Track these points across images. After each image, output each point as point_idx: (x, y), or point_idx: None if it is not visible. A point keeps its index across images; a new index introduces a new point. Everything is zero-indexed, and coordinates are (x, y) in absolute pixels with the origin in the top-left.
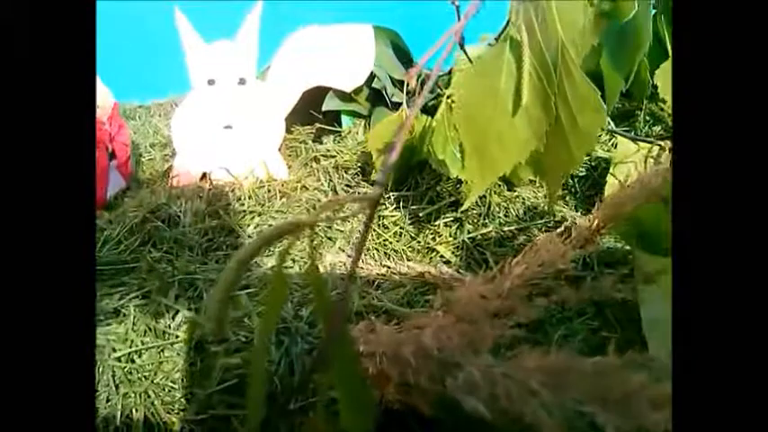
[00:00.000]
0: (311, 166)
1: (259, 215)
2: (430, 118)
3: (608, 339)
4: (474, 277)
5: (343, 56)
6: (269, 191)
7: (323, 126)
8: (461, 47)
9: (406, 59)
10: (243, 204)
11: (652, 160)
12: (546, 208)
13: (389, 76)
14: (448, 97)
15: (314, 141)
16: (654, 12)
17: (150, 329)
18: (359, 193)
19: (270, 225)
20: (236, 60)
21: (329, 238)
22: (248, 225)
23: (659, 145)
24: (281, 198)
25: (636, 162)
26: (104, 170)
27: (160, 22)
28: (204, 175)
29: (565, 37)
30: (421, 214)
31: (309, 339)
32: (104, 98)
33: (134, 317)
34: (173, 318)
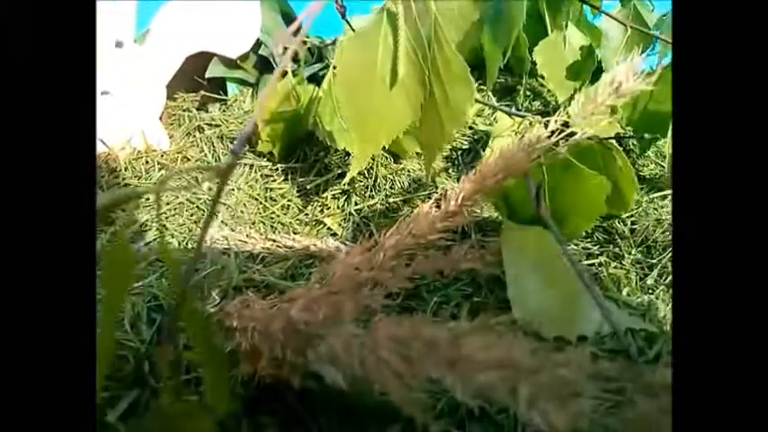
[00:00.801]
0: (194, 136)
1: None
2: (317, 88)
3: (481, 304)
4: (351, 249)
5: (228, 21)
6: (147, 162)
7: (207, 94)
8: (342, 16)
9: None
10: (117, 177)
11: (519, 135)
12: (427, 180)
13: (279, 45)
14: (334, 68)
15: (198, 110)
16: None
17: None
18: (245, 165)
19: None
20: (111, 21)
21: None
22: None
23: (530, 120)
24: (159, 170)
25: (512, 136)
26: None
27: None
28: None
29: (442, 11)
30: (309, 186)
31: None
32: None
33: None
34: None
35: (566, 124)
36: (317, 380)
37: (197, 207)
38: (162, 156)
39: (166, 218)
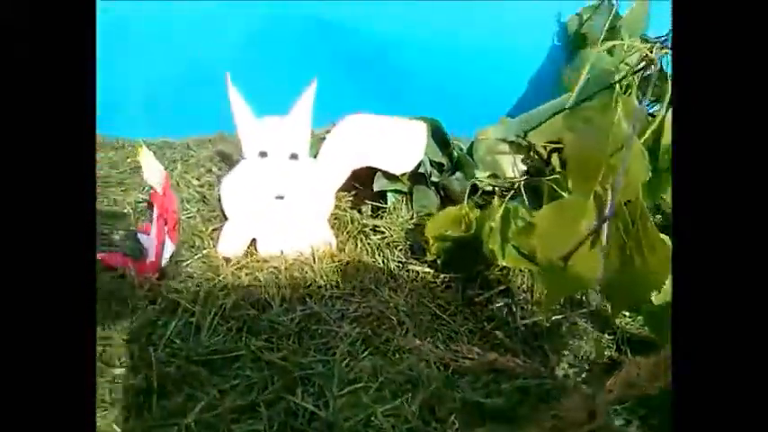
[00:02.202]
0: (361, 240)
1: (339, 298)
2: (478, 210)
3: None
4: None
5: (398, 145)
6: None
7: (370, 202)
8: None
9: (443, 142)
10: (322, 288)
11: None
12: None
13: (429, 159)
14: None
15: (353, 209)
16: None
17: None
18: (411, 270)
19: (355, 308)
20: (288, 137)
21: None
22: (333, 308)
23: None
24: (336, 270)
25: None
26: (162, 241)
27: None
28: (253, 241)
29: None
30: (477, 299)
31: None
32: (160, 167)
33: (267, 416)
34: (305, 417)
35: None
36: None
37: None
38: (338, 262)
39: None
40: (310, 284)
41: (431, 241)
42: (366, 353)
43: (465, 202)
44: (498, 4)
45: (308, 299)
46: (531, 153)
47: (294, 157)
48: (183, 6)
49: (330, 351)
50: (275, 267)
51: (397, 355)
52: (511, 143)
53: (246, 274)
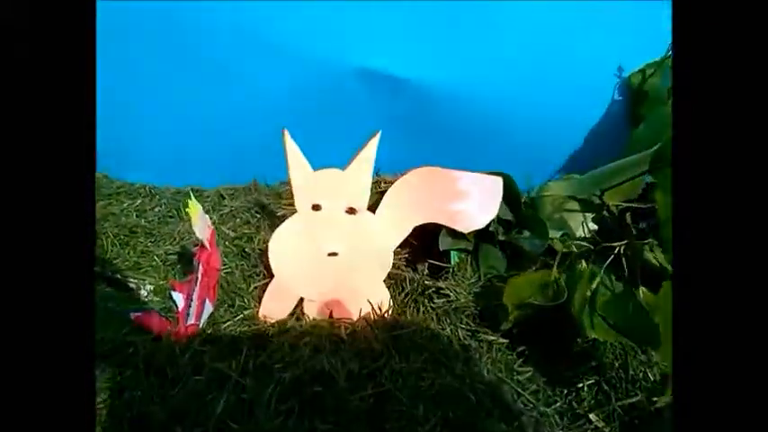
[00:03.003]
0: (423, 304)
1: (411, 374)
2: (564, 275)
3: None
4: None
5: (470, 200)
6: (401, 337)
7: (433, 262)
8: None
9: (513, 199)
10: (392, 360)
11: None
12: None
13: (498, 216)
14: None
15: (408, 266)
16: None
17: None
18: (483, 341)
19: (429, 385)
20: (345, 190)
21: None
22: (405, 385)
23: None
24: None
25: None
26: (204, 301)
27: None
28: (301, 301)
29: None
30: (565, 374)
31: None
32: (208, 220)
33: None
34: None
35: None
36: None
37: None
38: (394, 323)
39: None
40: (377, 355)
41: (509, 308)
42: None
43: (537, 264)
44: (551, 57)
45: (377, 373)
46: (605, 212)
47: (351, 210)
48: (214, 53)
49: None
50: (335, 335)
51: None
52: (580, 201)
53: (304, 343)
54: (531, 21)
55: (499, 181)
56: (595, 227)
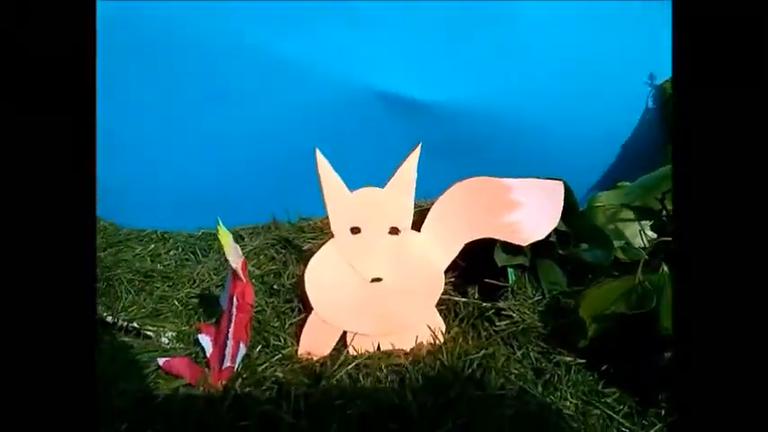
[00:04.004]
0: (481, 329)
1: (493, 405)
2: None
3: None
4: None
5: (526, 210)
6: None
7: (489, 281)
8: None
9: (570, 208)
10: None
11: None
12: None
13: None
14: None
15: (456, 290)
16: None
17: None
18: (560, 362)
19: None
20: (386, 210)
21: None
22: (488, 416)
23: None
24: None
25: None
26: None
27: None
28: (344, 335)
29: None
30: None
31: None
32: (239, 251)
33: None
34: None
35: None
36: None
37: None
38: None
39: None
40: (448, 384)
41: (587, 322)
42: None
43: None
44: (578, 70)
45: (454, 404)
46: (663, 218)
47: (394, 231)
48: (223, 83)
49: None
50: (396, 364)
51: None
52: (635, 208)
53: (365, 374)
54: (553, 34)
55: (560, 186)
56: (654, 234)
